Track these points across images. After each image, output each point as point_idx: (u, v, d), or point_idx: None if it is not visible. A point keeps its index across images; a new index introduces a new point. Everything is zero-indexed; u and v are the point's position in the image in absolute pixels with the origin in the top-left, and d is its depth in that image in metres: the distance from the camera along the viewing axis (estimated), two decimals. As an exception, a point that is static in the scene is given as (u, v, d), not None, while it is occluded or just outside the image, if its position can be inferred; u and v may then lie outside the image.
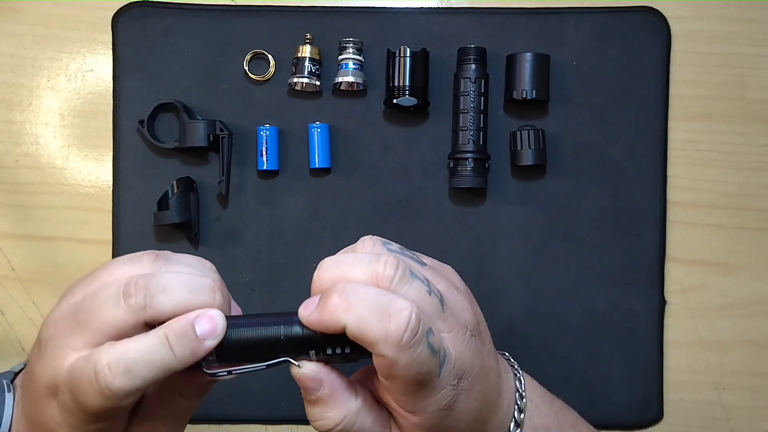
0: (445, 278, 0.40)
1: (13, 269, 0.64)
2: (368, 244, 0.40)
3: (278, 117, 0.63)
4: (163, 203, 0.61)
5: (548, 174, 0.63)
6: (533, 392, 0.45)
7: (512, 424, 0.42)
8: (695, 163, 0.64)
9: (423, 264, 0.40)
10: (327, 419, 0.39)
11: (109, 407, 0.36)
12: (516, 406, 0.43)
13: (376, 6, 0.64)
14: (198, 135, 0.61)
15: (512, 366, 0.45)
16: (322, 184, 0.63)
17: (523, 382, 0.44)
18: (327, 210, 0.63)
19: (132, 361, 0.35)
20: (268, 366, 0.39)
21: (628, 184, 0.63)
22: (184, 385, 0.39)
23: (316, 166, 0.62)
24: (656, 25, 0.63)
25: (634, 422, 0.63)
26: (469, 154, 0.60)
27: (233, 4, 0.64)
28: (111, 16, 0.63)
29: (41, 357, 0.38)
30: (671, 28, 0.63)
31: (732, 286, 0.64)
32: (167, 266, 0.39)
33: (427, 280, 0.38)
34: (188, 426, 0.63)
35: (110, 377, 0.35)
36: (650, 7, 0.63)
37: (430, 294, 0.38)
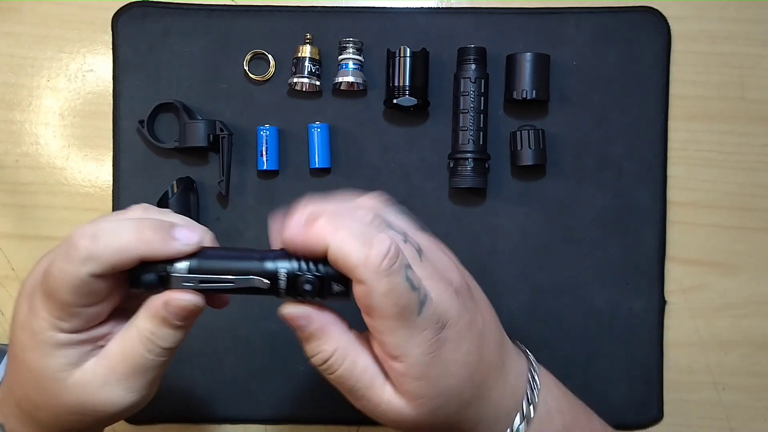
0: (433, 243, 0.43)
1: (13, 269, 0.64)
2: (367, 199, 0.42)
3: (278, 117, 0.63)
4: (163, 203, 0.61)
5: (548, 174, 0.63)
6: (547, 377, 0.46)
7: (524, 401, 0.43)
8: (695, 163, 0.64)
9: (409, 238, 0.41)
10: (322, 352, 0.40)
11: (76, 286, 0.38)
12: (528, 385, 0.44)
13: (376, 6, 0.64)
14: (198, 135, 0.61)
15: (524, 351, 0.47)
16: (322, 184, 0.63)
17: (535, 366, 0.45)
18: (327, 210, 0.63)
19: (100, 229, 0.38)
20: (237, 285, 0.40)
21: (628, 184, 0.63)
22: (162, 307, 0.40)
23: (316, 166, 0.62)
24: (656, 25, 0.63)
25: (634, 422, 0.63)
26: (469, 154, 0.60)
27: (233, 4, 0.64)
28: (111, 16, 0.63)
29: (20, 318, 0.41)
30: (671, 28, 0.63)
31: (732, 286, 0.64)
32: (126, 213, 0.42)
33: (405, 233, 0.40)
34: (188, 426, 0.64)
35: (76, 239, 0.38)
36: (650, 7, 0.63)
37: (405, 242, 0.40)
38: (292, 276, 0.39)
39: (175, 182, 0.61)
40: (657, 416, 0.63)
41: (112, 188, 0.63)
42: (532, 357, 0.47)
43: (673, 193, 0.63)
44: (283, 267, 0.39)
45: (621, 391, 0.63)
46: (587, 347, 0.63)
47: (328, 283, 0.40)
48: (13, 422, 0.43)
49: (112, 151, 0.63)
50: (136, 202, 0.62)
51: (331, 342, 0.40)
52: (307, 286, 0.39)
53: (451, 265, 0.42)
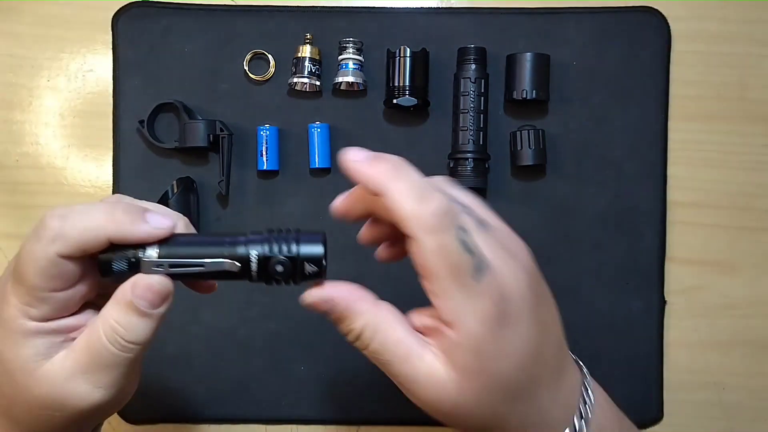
0: (505, 225, 0.42)
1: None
2: (438, 178, 0.41)
3: (278, 117, 0.63)
4: (163, 203, 0.60)
5: (548, 174, 0.63)
6: (599, 393, 0.44)
7: (575, 417, 0.41)
8: (695, 163, 0.64)
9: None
10: (351, 331, 0.39)
11: (44, 267, 0.37)
12: (581, 398, 0.42)
13: (376, 6, 0.64)
14: (198, 135, 0.61)
15: (578, 362, 0.44)
16: (322, 184, 0.63)
17: (589, 378, 0.43)
18: (327, 210, 0.63)
19: (71, 210, 0.38)
20: (207, 266, 0.39)
21: (628, 184, 0.63)
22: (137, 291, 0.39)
23: (316, 166, 0.62)
24: (656, 25, 0.63)
25: (634, 422, 0.63)
26: (469, 154, 0.60)
27: (233, 4, 0.64)
28: (111, 16, 0.63)
29: None
30: (671, 28, 0.63)
31: (732, 286, 0.64)
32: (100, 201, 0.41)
33: (470, 208, 0.40)
34: (188, 426, 0.64)
35: (47, 219, 0.38)
36: (650, 7, 0.63)
37: (467, 214, 0.39)
38: (263, 259, 0.39)
39: (175, 182, 0.61)
40: (657, 416, 0.63)
41: (112, 188, 0.63)
42: (585, 369, 0.44)
43: (673, 193, 0.63)
44: (254, 250, 0.39)
45: (621, 391, 0.62)
46: (587, 347, 0.63)
47: (300, 264, 0.39)
48: None
49: (112, 151, 0.63)
50: (136, 202, 0.62)
51: (358, 319, 0.39)
52: (279, 267, 0.39)
53: (522, 247, 0.41)
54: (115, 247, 0.39)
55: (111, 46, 0.63)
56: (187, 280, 0.41)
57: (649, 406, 0.63)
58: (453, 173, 0.61)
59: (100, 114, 0.64)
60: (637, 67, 0.63)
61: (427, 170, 0.63)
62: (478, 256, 0.37)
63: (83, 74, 0.64)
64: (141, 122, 0.62)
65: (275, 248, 0.39)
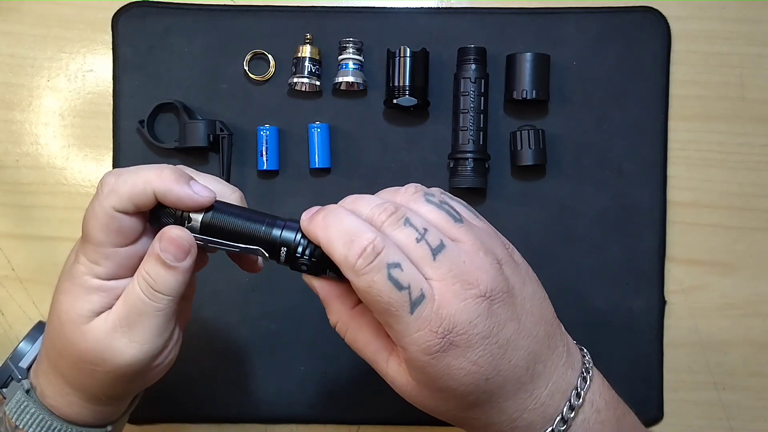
0: (479, 239, 0.41)
1: (13, 269, 0.64)
2: (410, 190, 0.42)
3: (278, 117, 0.63)
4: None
5: (548, 174, 0.63)
6: (599, 395, 0.44)
7: (558, 418, 0.42)
8: (695, 163, 0.64)
9: (457, 219, 0.41)
10: (330, 320, 0.44)
11: (103, 222, 0.41)
12: (567, 403, 0.42)
13: (376, 6, 0.64)
14: (198, 135, 0.61)
15: (584, 364, 0.44)
16: (322, 184, 0.63)
17: (588, 383, 0.43)
18: (327, 210, 0.63)
19: (125, 169, 0.42)
20: (241, 249, 0.42)
21: (628, 184, 0.63)
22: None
23: (316, 166, 0.62)
24: (656, 25, 0.63)
25: (634, 422, 0.63)
26: (469, 154, 0.60)
27: (233, 4, 0.64)
28: (111, 16, 0.63)
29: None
30: (671, 28, 0.63)
31: (732, 286, 0.64)
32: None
33: (424, 230, 0.40)
34: (188, 426, 0.64)
35: (104, 177, 0.42)
36: (650, 7, 0.63)
37: (418, 241, 0.39)
38: (291, 254, 0.42)
39: (175, 182, 0.61)
40: (657, 416, 0.63)
41: (112, 188, 0.63)
42: (590, 372, 0.44)
43: (673, 193, 0.63)
44: (286, 240, 0.42)
45: (621, 391, 0.62)
46: (587, 347, 0.63)
47: (322, 267, 0.42)
48: (42, 381, 0.46)
49: (112, 151, 0.63)
50: (136, 202, 0.62)
51: (333, 314, 0.44)
52: (303, 268, 0.42)
53: (485, 266, 0.40)
54: (164, 207, 0.42)
55: (111, 46, 0.63)
56: (220, 249, 0.43)
57: (649, 406, 0.63)
58: (453, 173, 0.61)
59: (100, 114, 0.64)
60: (637, 67, 0.63)
61: (427, 170, 0.64)
62: (414, 290, 0.38)
63: (83, 74, 0.64)
64: (141, 122, 0.62)
65: (302, 246, 0.42)
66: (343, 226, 0.39)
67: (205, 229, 0.42)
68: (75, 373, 0.44)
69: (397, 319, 0.39)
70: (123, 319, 0.43)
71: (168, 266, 0.42)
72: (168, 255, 0.42)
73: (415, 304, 0.38)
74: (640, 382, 0.63)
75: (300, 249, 0.42)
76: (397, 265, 0.39)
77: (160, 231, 0.42)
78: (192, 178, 0.43)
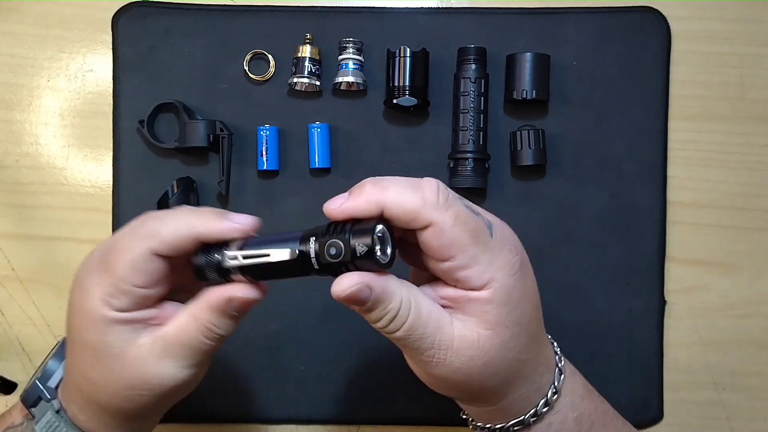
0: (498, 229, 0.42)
1: (13, 269, 0.64)
2: (433, 185, 0.40)
3: (278, 117, 0.63)
4: (163, 203, 0.61)
5: (548, 174, 0.63)
6: (574, 381, 0.48)
7: (550, 391, 0.45)
8: (695, 163, 0.64)
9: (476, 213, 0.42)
10: (389, 311, 0.40)
11: (135, 261, 0.41)
12: (557, 369, 0.46)
13: (376, 6, 0.64)
14: (198, 135, 0.61)
15: (555, 351, 0.48)
16: (322, 184, 0.63)
17: (560, 354, 0.48)
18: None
19: (166, 213, 0.43)
20: (285, 273, 0.41)
21: (628, 184, 0.63)
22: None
23: (316, 166, 0.62)
24: (656, 25, 0.63)
25: (634, 422, 0.63)
26: (469, 154, 0.60)
27: (233, 4, 0.64)
28: (111, 16, 0.63)
29: (74, 298, 0.44)
30: (671, 28, 0.63)
31: (732, 286, 0.64)
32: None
33: (474, 209, 0.41)
34: (188, 426, 0.64)
35: (144, 218, 0.43)
36: (650, 7, 0.63)
37: (474, 215, 0.40)
38: (320, 245, 0.40)
39: (175, 182, 0.61)
40: (657, 416, 0.63)
41: (112, 188, 0.63)
42: (557, 346, 0.48)
43: (673, 193, 0.63)
44: (313, 237, 0.40)
45: (621, 391, 0.63)
46: (587, 347, 0.63)
47: (353, 247, 0.39)
48: (73, 407, 0.46)
49: (112, 151, 0.63)
50: (136, 202, 0.63)
51: (395, 297, 0.40)
52: (332, 251, 0.39)
53: (515, 239, 0.44)
54: (203, 248, 0.42)
55: (111, 46, 0.63)
56: (260, 274, 0.42)
57: (649, 406, 0.63)
58: (453, 173, 0.61)
59: (100, 114, 0.64)
60: (637, 67, 0.63)
61: (428, 170, 0.63)
62: (482, 216, 0.41)
63: (83, 74, 0.64)
64: (141, 122, 0.62)
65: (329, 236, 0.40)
66: (400, 181, 0.40)
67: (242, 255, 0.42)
68: (118, 401, 0.44)
69: (484, 246, 0.39)
70: (178, 353, 0.43)
71: (234, 317, 0.43)
72: (236, 311, 0.42)
73: (489, 226, 0.41)
74: (640, 382, 0.63)
75: (334, 249, 0.39)
76: (460, 197, 0.41)
77: (228, 292, 0.42)
78: (228, 212, 0.43)
